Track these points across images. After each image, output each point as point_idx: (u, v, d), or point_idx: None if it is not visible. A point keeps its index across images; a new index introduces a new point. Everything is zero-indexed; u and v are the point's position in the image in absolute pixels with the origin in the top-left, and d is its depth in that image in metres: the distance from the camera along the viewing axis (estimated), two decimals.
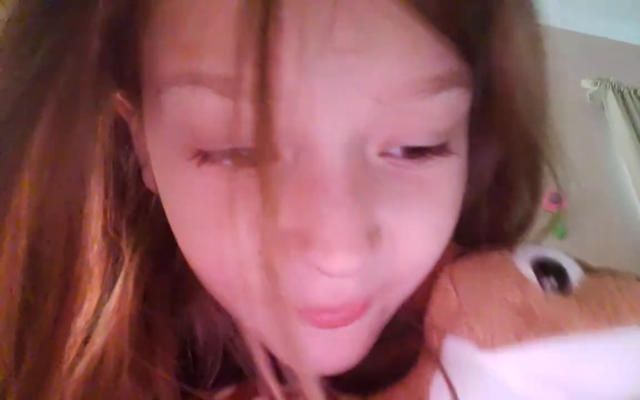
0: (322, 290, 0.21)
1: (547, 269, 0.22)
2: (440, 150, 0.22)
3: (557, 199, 1.66)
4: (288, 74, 0.17)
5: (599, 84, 1.81)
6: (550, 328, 0.20)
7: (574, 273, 0.22)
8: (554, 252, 0.23)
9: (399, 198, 0.21)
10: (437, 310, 0.24)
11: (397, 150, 0.21)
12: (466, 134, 0.24)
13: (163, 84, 0.20)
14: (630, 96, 1.81)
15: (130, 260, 0.24)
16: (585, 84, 1.83)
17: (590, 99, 1.83)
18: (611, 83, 1.81)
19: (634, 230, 1.59)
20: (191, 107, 0.19)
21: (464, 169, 0.24)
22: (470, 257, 0.25)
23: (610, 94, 1.79)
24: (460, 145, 0.23)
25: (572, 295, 0.21)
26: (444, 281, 0.24)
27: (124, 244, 0.24)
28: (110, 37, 0.20)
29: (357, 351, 0.24)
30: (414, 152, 0.21)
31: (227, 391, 0.26)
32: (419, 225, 0.22)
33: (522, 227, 0.33)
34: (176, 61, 0.19)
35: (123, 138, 0.25)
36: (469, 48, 0.20)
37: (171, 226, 0.23)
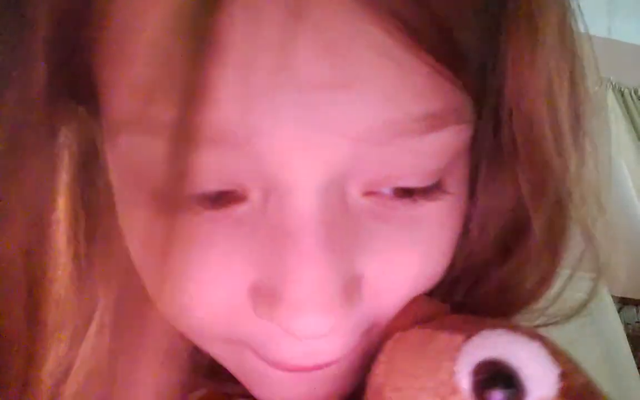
0: (292, 351, 0.19)
1: (500, 377, 0.17)
2: (432, 190, 0.18)
3: None
4: (231, 112, 0.15)
5: (599, 83, 1.81)
6: None
7: (541, 388, 0.17)
8: (527, 350, 0.18)
9: (384, 243, 0.18)
10: (371, 377, 0.21)
11: (385, 189, 0.18)
12: (467, 168, 0.21)
13: (114, 125, 0.17)
14: (631, 96, 1.81)
15: (106, 298, 0.21)
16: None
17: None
18: (612, 83, 1.82)
19: (635, 231, 1.59)
20: (143, 154, 0.17)
21: (461, 209, 0.21)
22: (422, 329, 0.20)
23: (610, 94, 1.80)
24: (457, 183, 0.20)
25: None
26: (385, 349, 0.21)
27: (97, 282, 0.20)
28: (59, 60, 0.17)
29: (337, 390, 0.21)
30: (403, 193, 0.18)
31: (199, 393, 0.24)
32: (404, 273, 0.19)
33: (533, 295, 0.27)
34: (125, 103, 0.17)
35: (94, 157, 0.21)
36: (472, 79, 0.17)
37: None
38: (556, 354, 0.20)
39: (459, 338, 0.18)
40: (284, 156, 0.16)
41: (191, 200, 0.17)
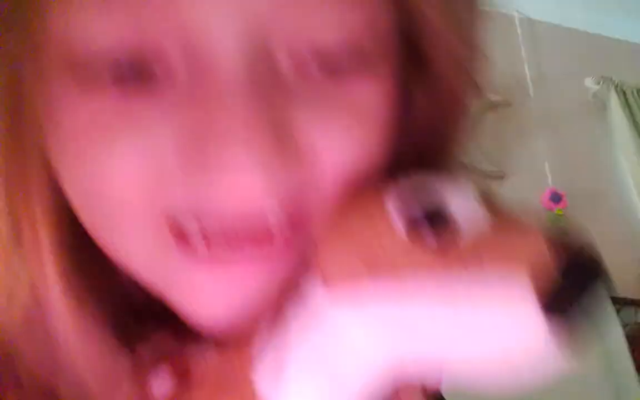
0: (223, 218, 0.17)
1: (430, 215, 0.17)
2: (359, 64, 0.18)
3: (557, 198, 1.67)
4: None
5: (601, 83, 1.81)
6: (390, 275, 0.17)
7: (469, 220, 0.18)
8: (456, 188, 0.19)
9: (317, 109, 0.18)
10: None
11: (312, 67, 0.17)
12: (394, 69, 0.20)
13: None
14: (633, 95, 1.81)
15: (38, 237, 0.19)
16: (588, 83, 1.83)
17: (592, 97, 1.83)
18: (614, 82, 1.81)
19: (636, 229, 1.59)
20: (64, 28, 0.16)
21: (391, 96, 0.20)
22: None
23: (612, 93, 1.79)
24: (384, 69, 0.20)
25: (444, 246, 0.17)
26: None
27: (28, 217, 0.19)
28: None
29: (268, 296, 0.19)
30: (331, 68, 0.18)
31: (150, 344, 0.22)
32: (343, 138, 0.18)
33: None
34: None
35: None
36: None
37: (55, 162, 0.18)
38: (485, 194, 0.20)
39: (387, 187, 0.18)
40: (202, 7, 0.16)
41: (107, 73, 0.16)
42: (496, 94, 1.75)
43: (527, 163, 1.63)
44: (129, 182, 0.17)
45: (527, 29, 1.96)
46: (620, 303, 1.38)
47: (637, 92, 1.82)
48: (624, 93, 1.80)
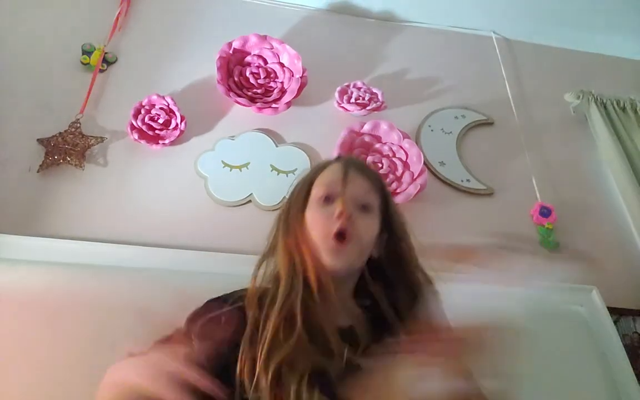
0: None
1: None
2: (370, 210, 0.89)
3: (547, 212, 1.68)
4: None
5: (581, 96, 1.84)
6: None
7: None
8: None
9: (360, 216, 0.88)
10: None
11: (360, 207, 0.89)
12: (380, 223, 0.91)
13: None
14: (613, 107, 1.84)
15: None
16: (568, 97, 1.86)
17: (573, 112, 1.86)
18: (593, 95, 1.84)
19: (624, 239, 1.59)
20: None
21: (377, 222, 0.90)
22: None
23: (593, 105, 1.82)
24: (377, 218, 0.90)
25: None
26: None
27: None
28: None
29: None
30: (363, 207, 0.89)
31: None
32: (363, 226, 0.87)
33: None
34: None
35: None
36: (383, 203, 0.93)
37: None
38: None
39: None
40: (335, 187, 0.93)
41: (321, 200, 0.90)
42: (480, 113, 1.77)
43: (514, 180, 1.64)
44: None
45: (505, 49, 2.01)
46: (617, 313, 1.38)
47: (617, 103, 1.85)
48: (604, 105, 1.84)
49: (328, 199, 0.89)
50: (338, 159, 1.01)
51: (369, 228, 0.88)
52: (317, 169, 0.97)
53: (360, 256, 0.87)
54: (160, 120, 1.47)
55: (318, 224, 0.86)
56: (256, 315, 0.80)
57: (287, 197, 0.99)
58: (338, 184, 0.90)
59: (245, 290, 0.86)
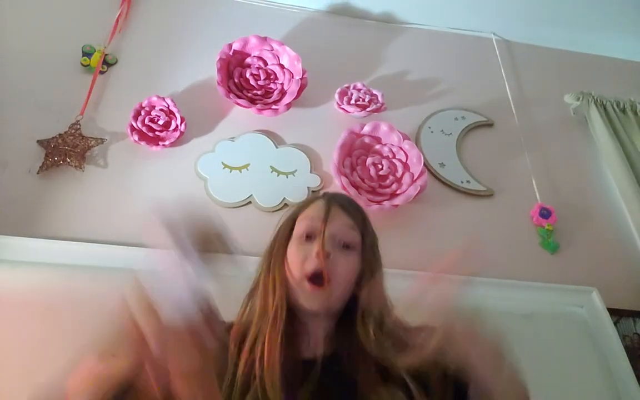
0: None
1: None
2: (352, 249, 0.89)
3: (547, 214, 1.68)
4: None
5: (581, 98, 1.84)
6: None
7: None
8: None
9: (341, 255, 0.87)
10: None
11: (342, 244, 0.88)
12: (359, 265, 0.89)
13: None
14: (613, 108, 1.84)
15: None
16: (568, 99, 1.86)
17: (573, 113, 1.86)
18: (593, 97, 1.84)
19: (625, 240, 1.59)
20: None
21: (358, 261, 0.88)
22: None
23: (592, 107, 1.82)
24: (358, 256, 0.89)
25: None
26: None
27: None
28: None
29: None
30: (345, 246, 0.88)
31: None
32: (343, 266, 0.86)
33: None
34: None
35: None
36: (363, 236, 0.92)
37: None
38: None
39: None
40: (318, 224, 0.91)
41: (303, 238, 0.90)
42: (480, 115, 1.78)
43: (515, 181, 1.64)
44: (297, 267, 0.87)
45: (505, 51, 2.01)
46: (618, 315, 1.38)
47: (617, 104, 1.85)
48: (604, 106, 1.84)
49: (309, 237, 0.88)
50: (323, 195, 1.00)
51: (349, 267, 0.86)
52: (302, 205, 0.97)
53: (341, 297, 0.86)
54: (160, 122, 1.47)
55: (296, 263, 0.86)
56: (232, 352, 0.80)
57: (274, 233, 0.98)
58: (319, 221, 0.88)
59: (232, 324, 0.87)
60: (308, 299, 0.83)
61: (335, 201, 0.94)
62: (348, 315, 0.87)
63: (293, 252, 0.88)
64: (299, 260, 0.86)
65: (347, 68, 1.79)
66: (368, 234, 0.93)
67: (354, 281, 0.87)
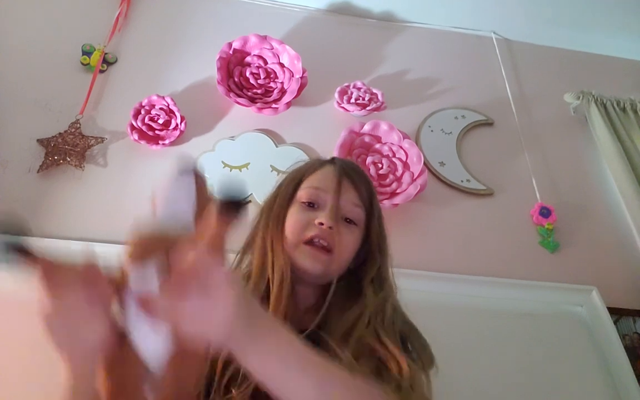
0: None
1: None
2: (354, 224, 0.86)
3: (547, 213, 1.68)
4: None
5: (581, 97, 1.84)
6: None
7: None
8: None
9: (343, 227, 0.84)
10: None
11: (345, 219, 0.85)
12: (362, 234, 0.87)
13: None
14: (613, 107, 1.84)
15: None
16: (568, 98, 1.86)
17: (574, 112, 1.86)
18: (593, 96, 1.84)
19: (624, 239, 1.59)
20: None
21: (359, 237, 0.86)
22: None
23: (593, 106, 1.82)
24: (360, 231, 0.86)
25: None
26: None
27: None
28: None
29: None
30: (349, 221, 0.85)
31: None
32: (346, 238, 0.84)
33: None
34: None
35: None
36: (368, 214, 0.88)
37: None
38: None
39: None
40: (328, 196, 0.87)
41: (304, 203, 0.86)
42: (480, 114, 1.77)
43: (514, 180, 1.64)
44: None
45: (505, 50, 2.01)
46: (618, 314, 1.38)
47: (617, 103, 1.85)
48: (604, 105, 1.84)
49: (312, 206, 0.85)
50: (333, 161, 0.95)
51: (349, 243, 0.84)
52: (309, 168, 0.93)
53: (337, 270, 0.83)
54: (160, 121, 1.47)
55: (296, 228, 0.83)
56: None
57: (275, 188, 0.94)
58: (327, 192, 0.86)
59: None
60: (311, 259, 0.79)
61: (346, 175, 0.89)
62: (338, 290, 0.83)
63: (293, 217, 0.85)
64: (300, 225, 0.83)
65: (347, 67, 1.79)
66: (374, 211, 0.90)
67: (351, 257, 0.85)
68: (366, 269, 0.86)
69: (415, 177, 1.50)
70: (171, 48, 1.72)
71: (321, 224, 0.81)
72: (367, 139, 1.56)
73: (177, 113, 1.49)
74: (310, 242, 0.80)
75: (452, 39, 2.00)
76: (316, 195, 0.86)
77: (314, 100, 1.67)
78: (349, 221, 0.85)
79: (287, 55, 1.65)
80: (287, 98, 1.58)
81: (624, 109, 1.85)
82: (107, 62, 1.62)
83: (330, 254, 0.80)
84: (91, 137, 1.44)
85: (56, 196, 1.35)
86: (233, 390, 0.67)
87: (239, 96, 1.58)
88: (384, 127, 1.57)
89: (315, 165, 0.94)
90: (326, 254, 0.80)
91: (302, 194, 0.87)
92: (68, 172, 1.39)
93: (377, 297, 0.81)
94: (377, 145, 1.57)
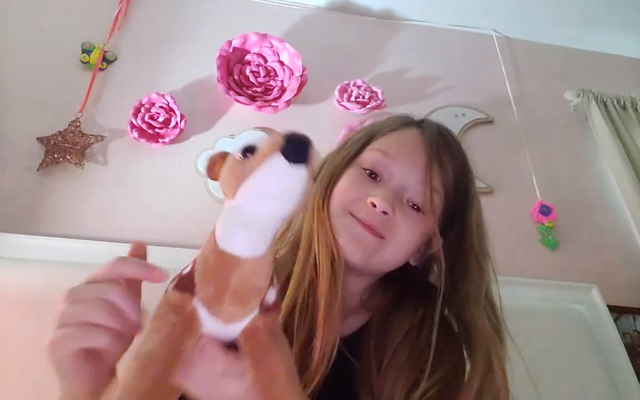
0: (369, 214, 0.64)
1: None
2: (421, 210, 0.66)
3: (547, 211, 1.68)
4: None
5: (581, 95, 1.83)
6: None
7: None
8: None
9: (405, 212, 0.67)
10: None
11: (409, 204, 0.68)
12: (437, 224, 0.67)
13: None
14: (614, 105, 1.83)
15: None
16: (569, 96, 1.85)
17: (574, 110, 1.86)
18: (594, 94, 1.84)
19: (624, 238, 1.59)
20: None
21: (427, 228, 0.66)
22: None
23: (593, 104, 1.82)
24: (432, 222, 0.66)
25: None
26: None
27: None
28: None
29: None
30: (413, 205, 0.67)
31: None
32: (406, 229, 0.65)
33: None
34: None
35: None
36: (452, 204, 0.71)
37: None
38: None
39: None
40: (408, 177, 0.68)
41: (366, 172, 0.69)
42: (480, 112, 1.77)
43: (515, 178, 1.64)
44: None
45: (505, 47, 2.00)
46: (618, 311, 1.38)
47: (617, 102, 1.85)
48: (605, 103, 1.83)
49: (374, 177, 0.68)
50: (420, 125, 0.75)
51: (410, 231, 0.65)
52: (388, 125, 0.75)
53: (390, 261, 0.67)
54: (160, 119, 1.47)
55: (343, 198, 0.66)
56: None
57: (340, 144, 0.77)
58: (398, 162, 0.67)
59: None
60: (351, 239, 0.62)
61: (438, 153, 0.69)
62: (399, 284, 0.69)
63: (345, 182, 0.68)
64: (348, 197, 0.65)
65: (347, 65, 1.79)
66: (468, 203, 0.70)
67: (409, 253, 0.68)
68: (465, 285, 0.67)
69: None
70: (171, 46, 1.71)
71: (374, 205, 0.64)
72: None
73: (177, 111, 1.49)
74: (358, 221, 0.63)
75: (452, 37, 2.00)
76: (383, 163, 0.68)
77: (314, 99, 1.67)
78: (416, 208, 0.67)
79: (287, 53, 1.65)
80: (287, 96, 1.58)
81: (624, 107, 1.85)
82: (107, 60, 1.62)
83: (381, 239, 0.63)
84: (91, 135, 1.44)
85: (56, 194, 1.34)
86: None
87: (239, 94, 1.57)
88: None
89: (395, 123, 0.75)
90: (374, 236, 0.63)
91: (366, 156, 0.70)
92: (68, 170, 1.39)
93: (496, 339, 0.63)
94: None
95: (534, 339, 1.30)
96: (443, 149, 0.71)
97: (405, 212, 0.65)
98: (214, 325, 0.40)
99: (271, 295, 0.43)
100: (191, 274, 0.41)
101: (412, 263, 0.71)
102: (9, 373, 1.04)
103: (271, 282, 0.43)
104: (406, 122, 0.75)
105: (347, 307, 0.66)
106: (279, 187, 0.38)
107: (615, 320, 1.33)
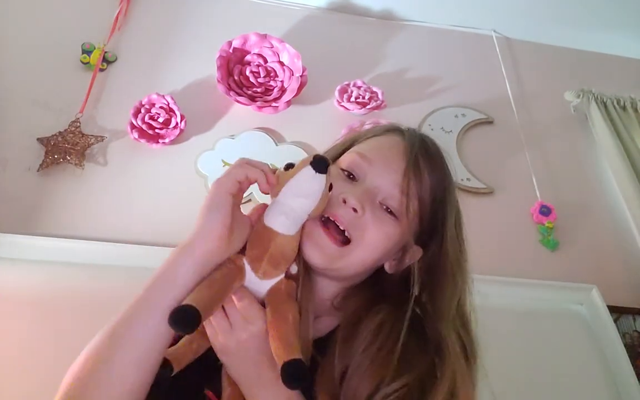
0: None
1: None
2: (394, 214, 0.64)
3: (547, 211, 1.68)
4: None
5: (581, 95, 1.84)
6: None
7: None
8: None
9: (376, 215, 0.64)
10: None
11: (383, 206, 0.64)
12: (413, 233, 0.66)
13: None
14: (613, 106, 1.84)
15: None
16: (569, 96, 1.86)
17: (574, 111, 1.86)
18: (593, 94, 1.84)
19: (624, 238, 1.59)
20: None
21: (398, 233, 0.64)
22: None
23: (593, 104, 1.82)
24: (405, 227, 0.64)
25: None
26: None
27: None
28: None
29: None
30: (386, 208, 0.64)
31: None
32: (375, 230, 0.63)
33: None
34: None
35: None
36: (427, 212, 0.67)
37: None
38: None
39: None
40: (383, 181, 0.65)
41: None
42: (480, 112, 1.77)
43: (515, 179, 1.64)
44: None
45: (505, 48, 2.00)
46: (618, 312, 1.38)
47: (617, 102, 1.85)
48: (605, 104, 1.83)
49: (352, 177, 0.66)
50: (402, 131, 0.72)
51: (379, 239, 0.63)
52: (370, 131, 0.74)
53: (352, 269, 0.64)
54: (160, 119, 1.47)
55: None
56: None
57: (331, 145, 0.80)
58: (373, 164, 0.66)
59: None
60: (312, 245, 0.61)
61: (412, 152, 0.67)
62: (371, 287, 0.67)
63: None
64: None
65: (347, 65, 1.79)
66: (445, 213, 0.68)
67: (378, 259, 0.65)
68: (437, 298, 0.64)
69: None
70: (171, 47, 1.71)
71: (345, 202, 0.62)
72: None
73: (177, 112, 1.49)
74: (326, 221, 0.62)
75: (452, 38, 2.00)
76: (359, 164, 0.67)
77: (314, 99, 1.67)
78: (389, 212, 0.64)
79: (287, 54, 1.65)
80: (287, 96, 1.58)
81: (624, 107, 1.85)
82: (107, 60, 1.62)
83: (343, 247, 0.62)
84: (91, 135, 1.44)
85: (56, 195, 1.35)
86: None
87: (239, 95, 1.58)
88: None
89: (377, 130, 0.74)
90: (337, 245, 0.61)
91: (345, 157, 0.70)
92: (68, 170, 1.39)
93: (462, 358, 0.61)
94: None
95: (534, 339, 1.30)
96: (422, 156, 0.67)
97: (376, 213, 0.63)
98: (252, 278, 0.58)
99: (294, 268, 0.61)
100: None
101: (388, 270, 0.68)
102: (8, 372, 1.04)
103: (295, 259, 0.60)
104: (389, 129, 0.73)
105: (320, 310, 0.66)
106: (307, 187, 0.57)
107: (615, 321, 1.33)
